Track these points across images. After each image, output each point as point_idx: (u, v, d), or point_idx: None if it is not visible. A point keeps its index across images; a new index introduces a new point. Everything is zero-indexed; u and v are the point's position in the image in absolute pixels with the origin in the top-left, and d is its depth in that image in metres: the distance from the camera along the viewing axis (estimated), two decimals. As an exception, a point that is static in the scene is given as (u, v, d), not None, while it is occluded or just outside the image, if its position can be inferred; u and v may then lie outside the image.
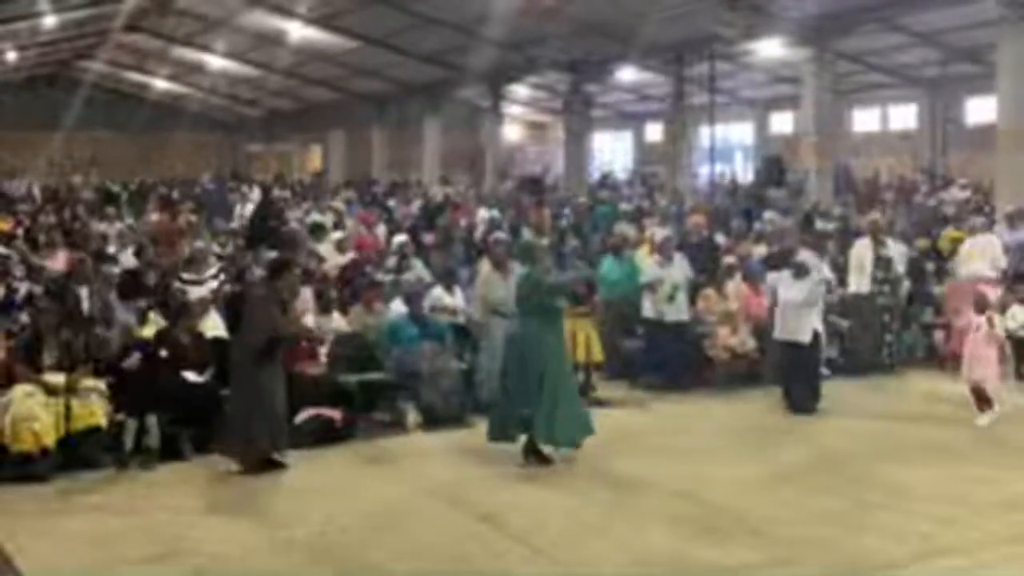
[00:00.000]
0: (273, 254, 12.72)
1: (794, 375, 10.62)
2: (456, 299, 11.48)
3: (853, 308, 12.36)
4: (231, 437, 8.54)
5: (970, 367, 9.97)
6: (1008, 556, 6.67)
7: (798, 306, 10.60)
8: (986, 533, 7.00)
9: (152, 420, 8.70)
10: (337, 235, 14.79)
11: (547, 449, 8.71)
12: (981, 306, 10.17)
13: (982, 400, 9.85)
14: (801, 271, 10.71)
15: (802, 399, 10.51)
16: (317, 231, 14.71)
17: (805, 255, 11.13)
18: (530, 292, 8.88)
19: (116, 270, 12.20)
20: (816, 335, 10.64)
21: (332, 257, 13.57)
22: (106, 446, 8.62)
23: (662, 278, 11.44)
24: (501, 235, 12.40)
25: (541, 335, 8.70)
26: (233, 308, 10.99)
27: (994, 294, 11.73)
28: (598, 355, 11.12)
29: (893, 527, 7.09)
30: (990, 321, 10.00)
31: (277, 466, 8.54)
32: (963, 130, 28.15)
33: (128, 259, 13.66)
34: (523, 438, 8.75)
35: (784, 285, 10.83)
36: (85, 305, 10.29)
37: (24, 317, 10.27)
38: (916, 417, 9.43)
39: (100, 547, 6.96)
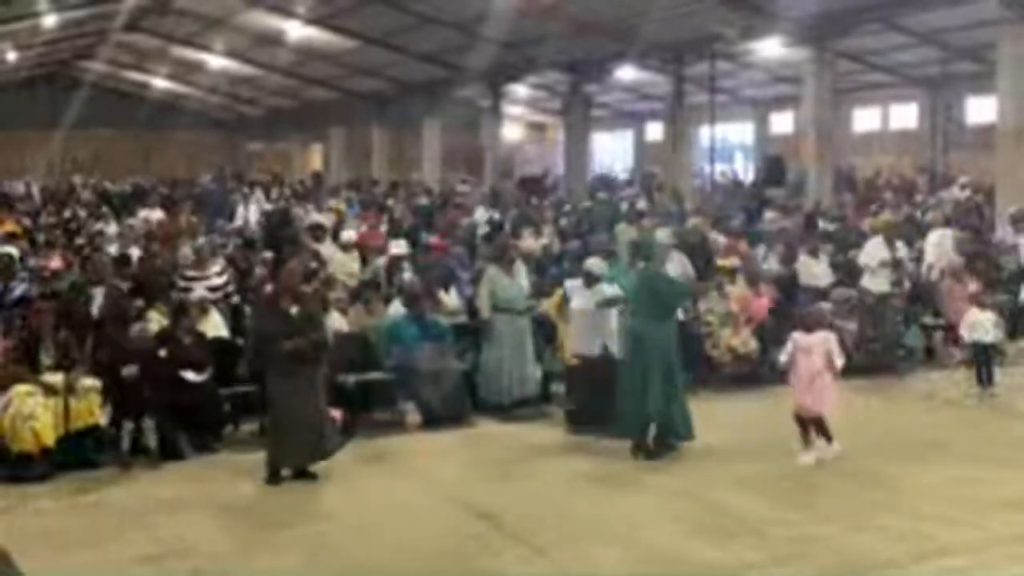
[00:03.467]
0: (269, 255, 12.74)
1: (586, 391, 9.62)
2: (453, 299, 11.45)
3: (868, 308, 12.25)
4: (276, 446, 8.29)
5: (811, 394, 8.58)
6: (1009, 556, 6.66)
7: (588, 315, 9.73)
8: (987, 533, 7.00)
9: (149, 422, 8.66)
10: (347, 234, 14.61)
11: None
12: (814, 324, 8.89)
13: (822, 431, 8.62)
14: (590, 279, 9.99)
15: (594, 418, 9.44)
16: (317, 231, 14.62)
17: (593, 262, 10.33)
18: (656, 291, 9.06)
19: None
20: (606, 348, 9.67)
21: (336, 258, 13.41)
22: (100, 447, 8.59)
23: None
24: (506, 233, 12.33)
25: (663, 331, 8.98)
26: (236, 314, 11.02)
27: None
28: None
29: (893, 527, 7.08)
30: (826, 342, 8.68)
31: (307, 476, 8.30)
32: (964, 129, 28.14)
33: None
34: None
35: (577, 293, 10.14)
36: (95, 307, 10.12)
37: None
38: (916, 417, 9.38)
39: (99, 546, 6.96)
